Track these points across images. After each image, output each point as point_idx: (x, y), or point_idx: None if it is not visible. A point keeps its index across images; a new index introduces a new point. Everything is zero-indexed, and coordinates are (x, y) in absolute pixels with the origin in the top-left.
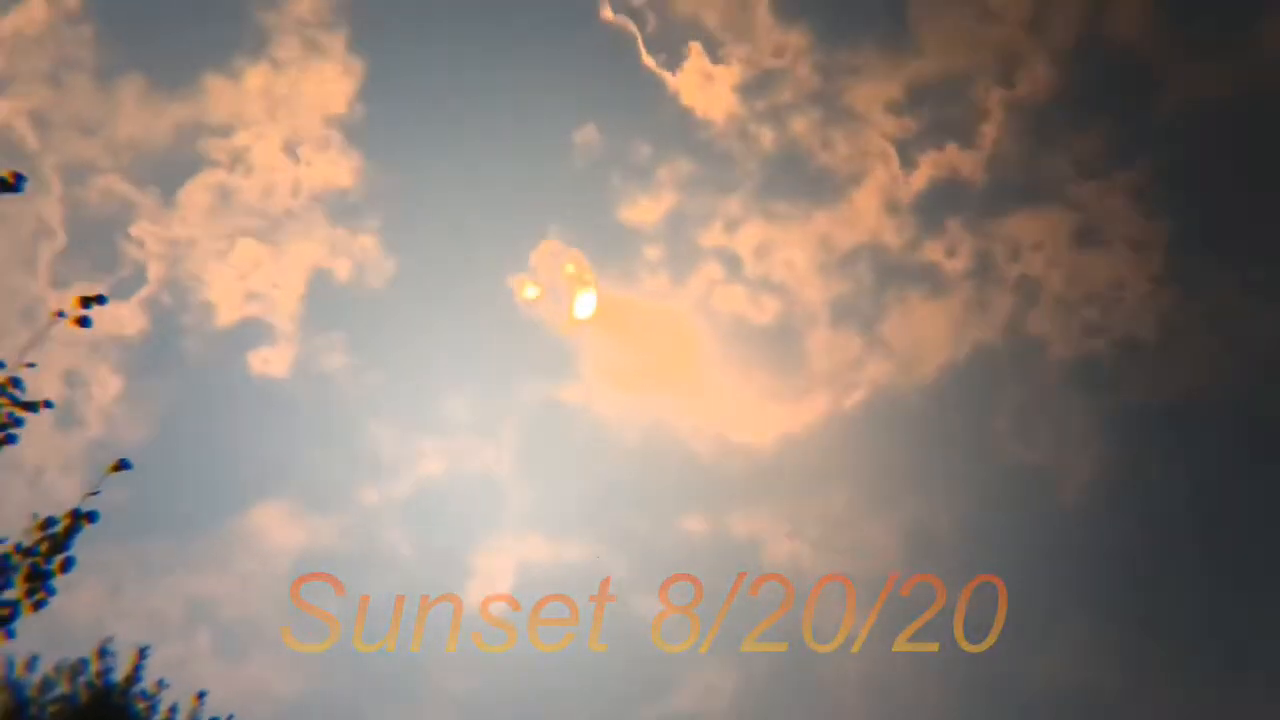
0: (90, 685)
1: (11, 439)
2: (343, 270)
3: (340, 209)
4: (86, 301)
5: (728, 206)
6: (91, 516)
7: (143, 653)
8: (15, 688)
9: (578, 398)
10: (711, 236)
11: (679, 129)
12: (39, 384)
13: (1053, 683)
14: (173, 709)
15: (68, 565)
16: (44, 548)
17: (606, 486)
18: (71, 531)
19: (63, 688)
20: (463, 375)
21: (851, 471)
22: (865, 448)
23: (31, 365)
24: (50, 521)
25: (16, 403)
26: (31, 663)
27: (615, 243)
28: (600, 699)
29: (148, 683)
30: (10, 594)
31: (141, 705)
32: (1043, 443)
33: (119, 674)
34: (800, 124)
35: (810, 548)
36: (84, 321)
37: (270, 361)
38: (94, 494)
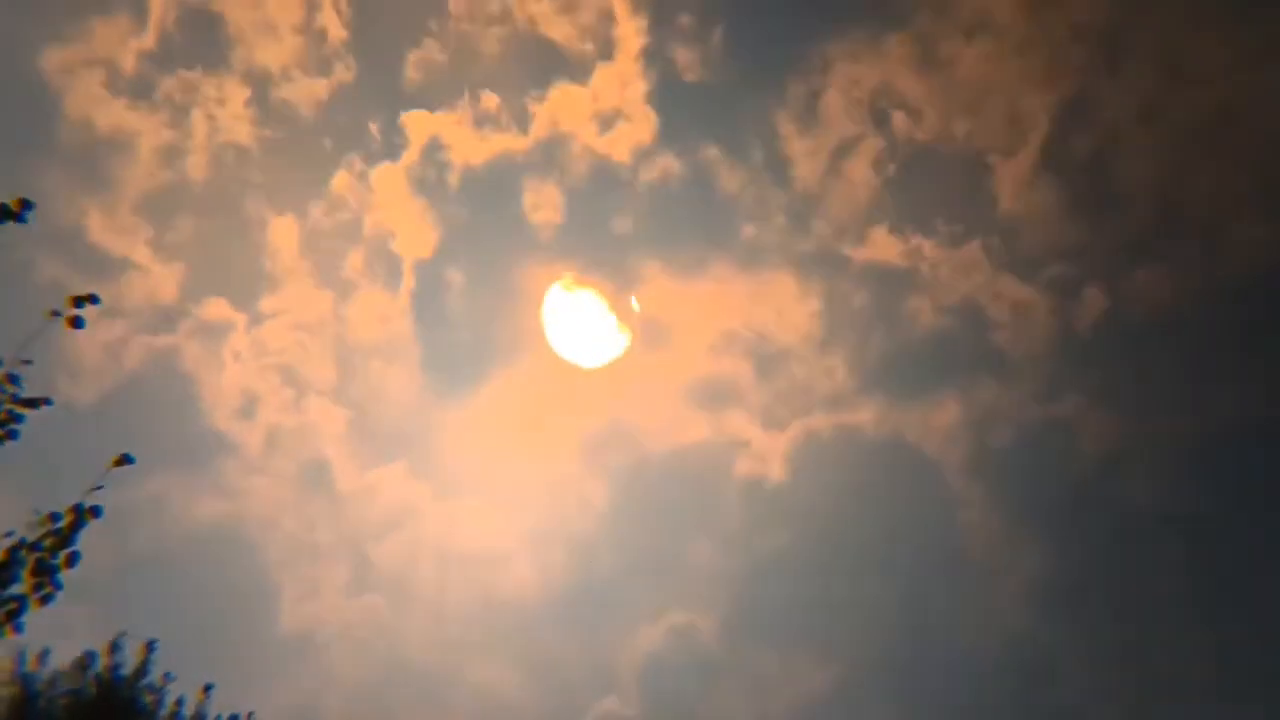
0: (99, 679)
1: (13, 435)
2: None
3: None
4: (79, 301)
5: None
6: (96, 511)
7: (150, 646)
8: (26, 681)
9: None
10: None
11: None
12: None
13: None
14: (179, 702)
15: (73, 560)
16: (49, 543)
17: None
18: (76, 526)
19: (72, 681)
20: None
21: None
22: None
23: (29, 362)
24: (55, 517)
25: (16, 399)
26: (43, 656)
27: None
28: None
29: (155, 676)
30: (17, 589)
31: (149, 699)
32: None
33: (128, 668)
34: None
35: None
36: (77, 321)
37: None
38: (98, 488)
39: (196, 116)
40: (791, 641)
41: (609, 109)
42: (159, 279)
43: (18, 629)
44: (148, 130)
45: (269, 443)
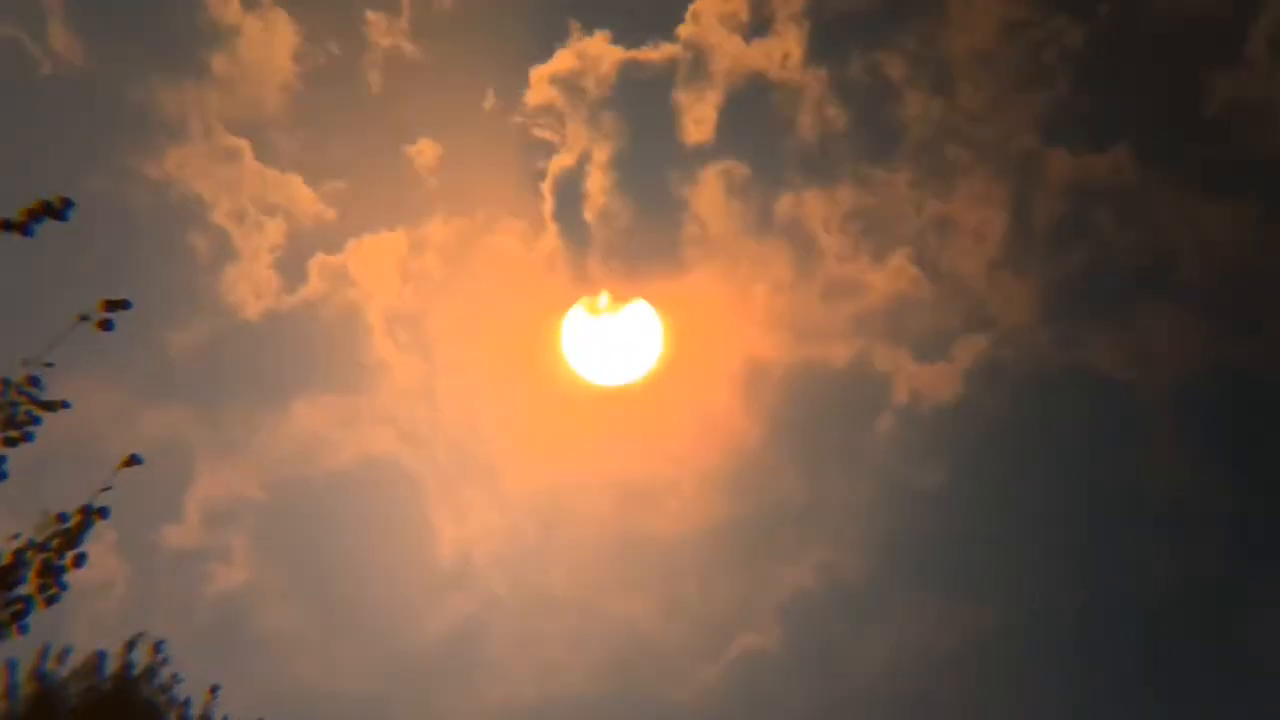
0: (114, 678)
1: (29, 437)
2: None
3: None
4: (112, 305)
5: None
6: (104, 512)
7: (159, 646)
8: (43, 679)
9: None
10: None
11: None
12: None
13: None
14: (186, 703)
15: (80, 561)
16: (56, 543)
17: None
18: (84, 527)
19: (88, 680)
20: None
21: None
22: None
23: (50, 364)
24: (62, 517)
25: (35, 401)
26: (64, 654)
27: None
28: None
29: (164, 676)
30: (23, 589)
31: (161, 699)
32: None
33: (139, 667)
34: None
35: None
36: (108, 325)
37: None
38: (106, 489)
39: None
40: (945, 584)
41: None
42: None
43: (23, 630)
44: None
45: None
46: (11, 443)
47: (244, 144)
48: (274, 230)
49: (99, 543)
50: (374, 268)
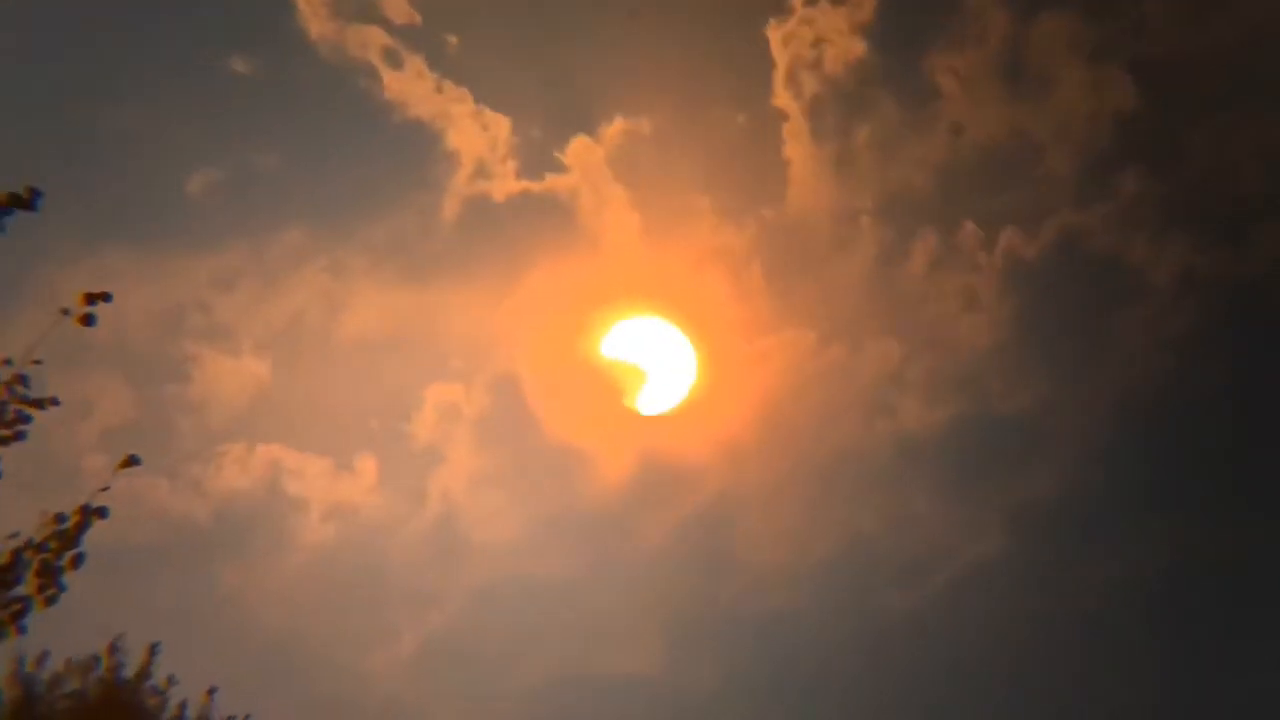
0: (102, 681)
1: (21, 436)
2: None
3: None
4: (91, 299)
5: None
6: (102, 512)
7: (154, 649)
8: (27, 683)
9: None
10: None
11: None
12: None
13: None
14: (182, 706)
15: (78, 561)
16: (55, 544)
17: None
18: (82, 528)
19: (74, 683)
20: None
21: None
22: None
23: (38, 362)
24: (61, 518)
25: (24, 400)
26: (43, 658)
27: None
28: None
29: (158, 679)
30: (21, 590)
31: (153, 701)
32: None
33: (130, 670)
34: None
35: None
36: (89, 319)
37: None
38: (104, 489)
39: None
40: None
41: None
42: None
43: (21, 630)
44: None
45: None
46: (4, 441)
47: None
48: None
49: None
50: None
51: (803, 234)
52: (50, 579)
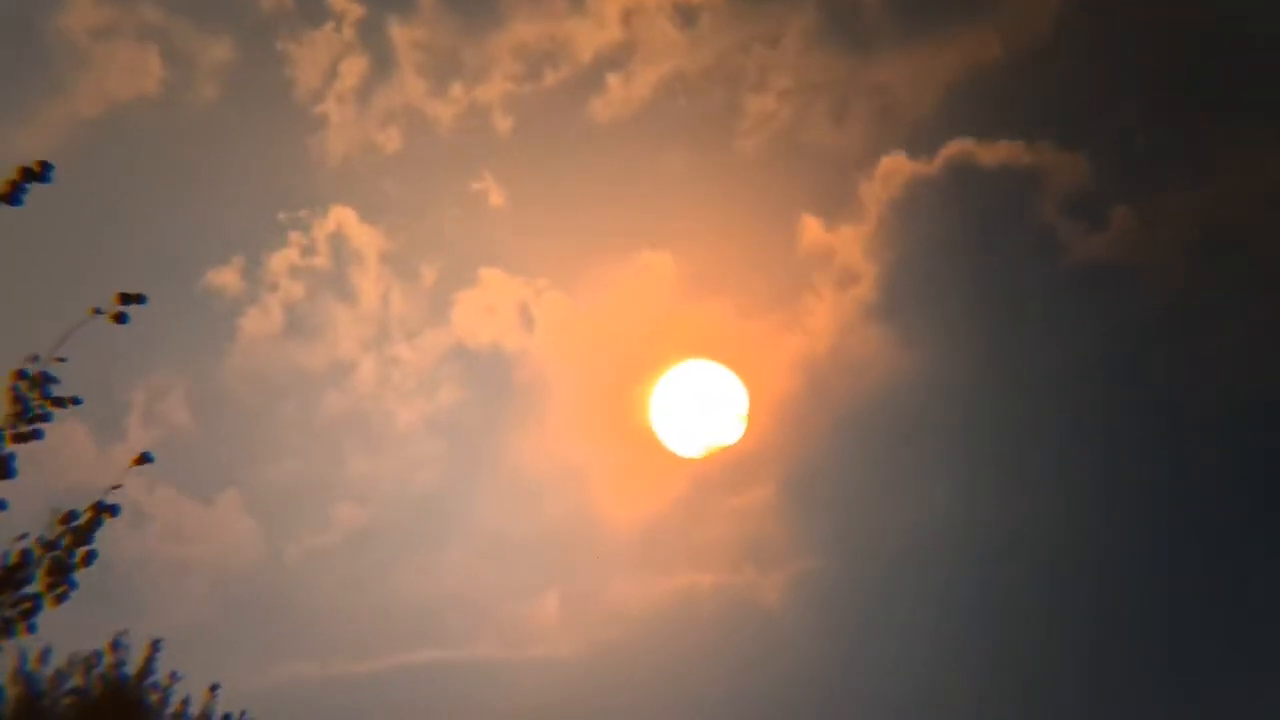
0: (104, 678)
1: (38, 434)
2: None
3: None
4: (127, 299)
5: None
6: (114, 510)
7: (155, 646)
8: (29, 680)
9: None
10: None
11: None
12: None
13: None
14: (185, 702)
15: (90, 559)
16: (66, 541)
17: None
18: (94, 525)
19: (76, 681)
20: None
21: None
22: None
23: (63, 360)
24: (72, 515)
25: (47, 397)
26: (44, 655)
27: None
28: None
29: (161, 675)
30: (32, 588)
31: (155, 698)
32: None
33: (132, 667)
34: None
35: None
36: (121, 318)
37: None
38: (116, 487)
39: None
40: None
41: None
42: None
43: (31, 629)
44: None
45: None
46: (22, 439)
47: None
48: None
49: None
50: None
51: None
52: (61, 577)
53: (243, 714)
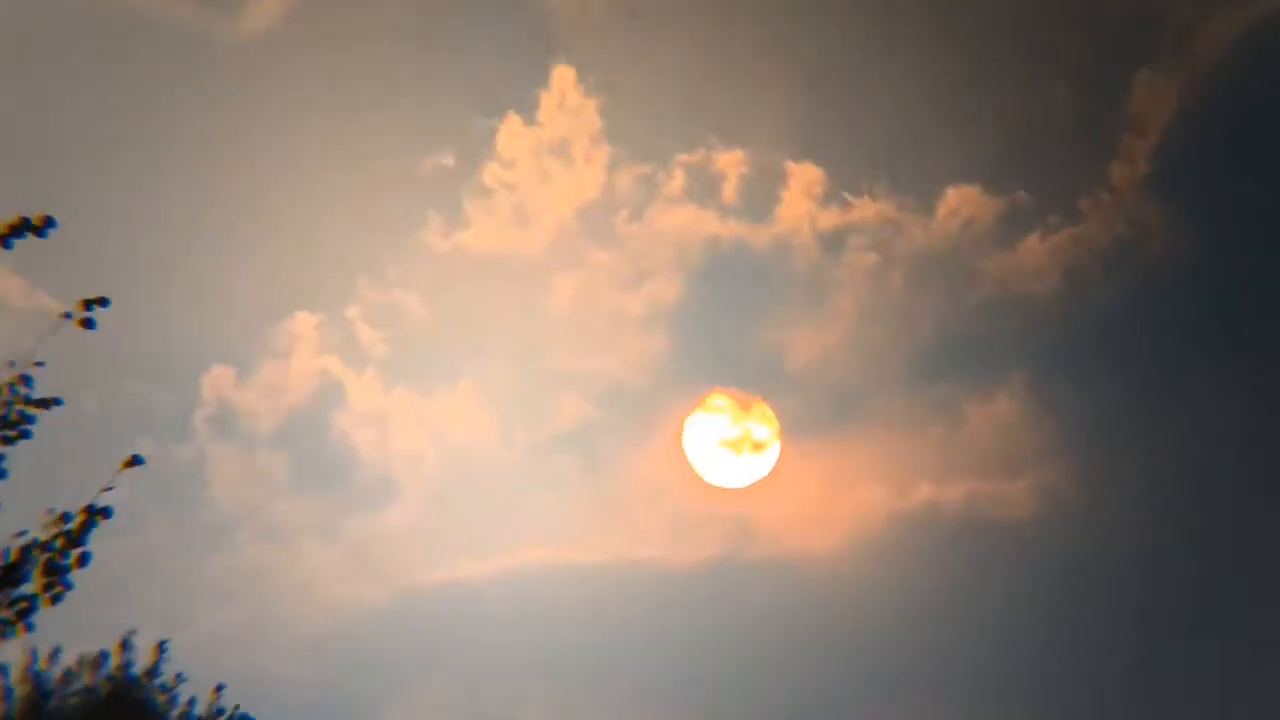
0: (111, 678)
1: (26, 434)
2: None
3: None
4: (89, 304)
5: None
6: (106, 512)
7: (162, 646)
8: (38, 679)
9: None
10: None
11: None
12: None
13: None
14: (191, 702)
15: (84, 560)
16: (60, 543)
17: None
18: (87, 526)
19: (85, 680)
20: None
21: None
22: None
23: (40, 364)
24: (66, 516)
25: (28, 400)
26: (54, 655)
27: None
28: None
29: (167, 675)
30: (28, 588)
31: (161, 698)
32: None
33: (139, 667)
34: None
35: None
36: (89, 323)
37: None
38: (108, 489)
39: None
40: None
41: None
42: None
43: (28, 628)
44: None
45: None
46: (9, 441)
47: None
48: None
49: None
50: None
51: None
52: (56, 578)
53: (243, 715)
